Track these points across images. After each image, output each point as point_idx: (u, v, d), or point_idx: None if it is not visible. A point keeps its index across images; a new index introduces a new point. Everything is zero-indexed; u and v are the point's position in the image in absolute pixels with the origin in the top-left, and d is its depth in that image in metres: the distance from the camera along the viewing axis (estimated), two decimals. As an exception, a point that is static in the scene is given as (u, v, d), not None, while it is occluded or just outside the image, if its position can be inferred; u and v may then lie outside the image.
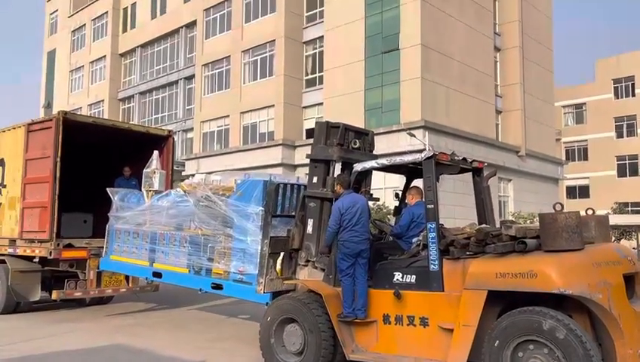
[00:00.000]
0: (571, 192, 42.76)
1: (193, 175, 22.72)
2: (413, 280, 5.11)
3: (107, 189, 8.71)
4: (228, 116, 28.72)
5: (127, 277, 9.95)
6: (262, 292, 6.05)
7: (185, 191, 7.42)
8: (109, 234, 8.69)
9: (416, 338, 5.01)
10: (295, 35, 26.54)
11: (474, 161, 5.92)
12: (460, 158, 5.70)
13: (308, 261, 5.97)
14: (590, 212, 4.99)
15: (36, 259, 9.63)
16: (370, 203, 6.33)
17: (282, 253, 6.17)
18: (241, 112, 28.11)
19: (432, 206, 5.01)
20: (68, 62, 40.65)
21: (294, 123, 26.10)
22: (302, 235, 6.01)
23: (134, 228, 8.21)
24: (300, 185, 6.69)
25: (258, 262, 6.12)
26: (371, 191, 6.54)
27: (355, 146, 6.20)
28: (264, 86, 27.03)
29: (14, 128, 10.14)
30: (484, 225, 5.34)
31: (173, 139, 10.69)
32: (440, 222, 5.04)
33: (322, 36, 25.50)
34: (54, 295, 9.12)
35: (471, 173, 6.03)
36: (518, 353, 4.28)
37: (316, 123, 6.36)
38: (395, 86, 22.61)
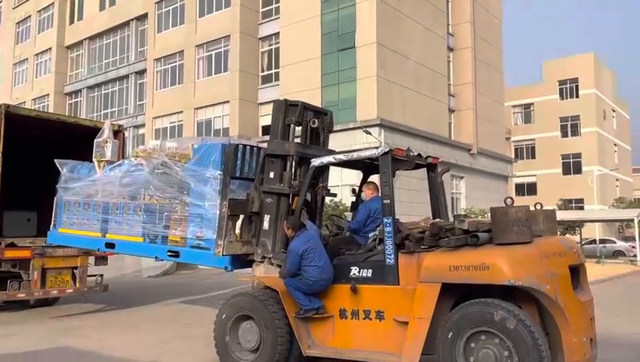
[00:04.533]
0: (520, 189, 44.32)
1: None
2: (369, 275, 5.12)
3: (55, 160, 8.30)
4: (181, 112, 28.17)
5: (73, 278, 9.62)
6: (220, 254, 5.91)
7: (139, 157, 7.21)
8: (57, 206, 8.35)
9: (372, 332, 5.03)
10: (250, 31, 26.29)
11: (428, 156, 6.01)
12: (415, 154, 5.77)
13: (264, 257, 5.89)
14: (539, 206, 5.15)
15: (-24, 260, 9.17)
16: (328, 199, 6.33)
17: (242, 216, 6.06)
18: (195, 108, 27.63)
19: (389, 201, 5.04)
20: (12, 55, 38.83)
21: (250, 119, 25.87)
22: (258, 229, 5.94)
23: (85, 199, 7.94)
24: (259, 147, 6.59)
25: (216, 226, 5.99)
26: (328, 187, 6.53)
27: (314, 126, 6.14)
28: (219, 82, 26.66)
29: (-49, 121, 9.55)
30: (438, 220, 5.42)
31: (124, 134, 10.35)
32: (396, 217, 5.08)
33: (278, 32, 25.37)
34: (-4, 296, 8.69)
35: (425, 168, 6.11)
36: (470, 344, 4.36)
37: (274, 102, 6.24)
38: (352, 84, 22.76)
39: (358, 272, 5.20)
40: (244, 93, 25.81)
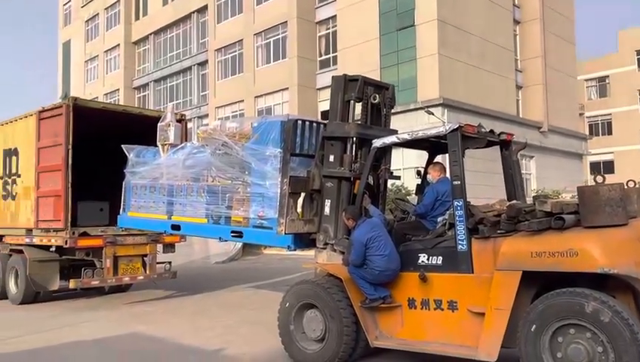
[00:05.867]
0: (595, 168, 41.64)
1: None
2: (439, 262, 4.79)
3: (122, 146, 8.46)
4: (242, 101, 28.45)
5: (144, 265, 9.84)
6: (283, 233, 5.77)
7: (200, 138, 7.25)
8: (125, 191, 8.51)
9: (445, 323, 4.70)
10: (308, 16, 26.03)
11: (502, 133, 5.55)
12: (487, 130, 5.33)
13: (326, 243, 5.68)
14: (632, 184, 4.60)
15: (53, 249, 9.59)
16: (391, 182, 6.01)
17: (303, 194, 5.92)
18: (256, 96, 27.80)
19: (459, 182, 4.66)
20: (83, 53, 40.65)
21: (309, 105, 25.71)
22: (320, 214, 5.73)
23: (151, 182, 8.07)
24: (319, 122, 6.39)
25: (278, 205, 5.88)
26: (391, 170, 6.21)
27: (375, 101, 5.82)
28: (277, 69, 26.66)
29: (26, 117, 10.00)
30: (515, 201, 4.99)
31: (187, 123, 10.45)
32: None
33: (335, 15, 24.95)
34: (72, 284, 9.03)
35: (498, 146, 5.66)
36: (557, 338, 3.95)
37: (333, 77, 5.96)
38: (412, 63, 22.06)
39: (427, 259, 4.88)
40: (303, 78, 25.66)
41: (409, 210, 5.91)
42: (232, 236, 6.71)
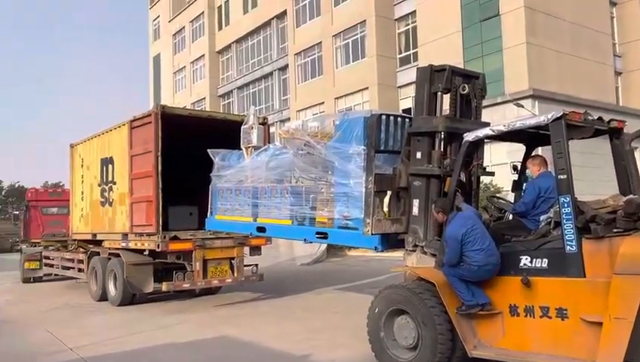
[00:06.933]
0: None
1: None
2: (544, 265, 4.33)
3: (208, 151, 8.60)
4: (323, 103, 28.53)
5: (231, 268, 9.99)
6: (369, 233, 5.55)
7: (282, 138, 7.23)
8: (212, 194, 8.64)
9: (553, 333, 4.24)
10: (386, 13, 25.63)
11: (612, 120, 4.96)
12: (595, 118, 4.78)
13: (416, 245, 5.37)
14: None
15: (146, 252, 9.96)
16: (485, 178, 5.58)
17: (389, 193, 5.66)
18: (336, 98, 27.77)
19: (565, 176, 4.19)
20: (171, 65, 42.80)
21: (390, 103, 25.24)
22: (408, 214, 5.43)
23: (236, 185, 8.15)
24: (404, 117, 6.10)
25: (363, 205, 5.66)
26: (484, 165, 5.78)
27: (464, 92, 5.44)
28: (357, 69, 26.46)
29: (119, 126, 10.51)
30: (633, 196, 4.41)
31: (269, 125, 10.51)
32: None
33: (415, 11, 24.37)
34: (164, 286, 9.35)
35: (607, 135, 5.07)
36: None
37: (418, 69, 5.64)
38: (498, 55, 21.00)
39: (530, 262, 4.43)
40: (383, 77, 25.28)
41: (506, 209, 5.46)
42: (317, 237, 6.59)
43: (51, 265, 14.06)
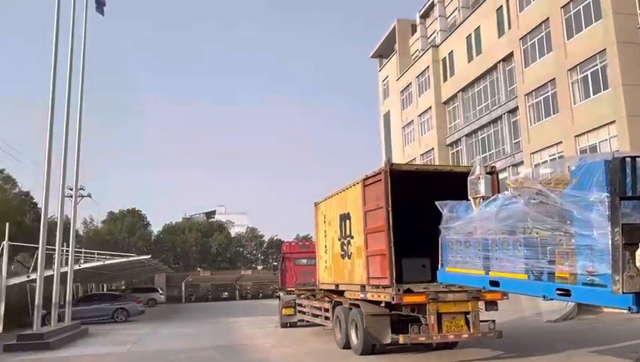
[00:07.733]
0: None
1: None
2: None
3: (436, 202, 8.71)
4: (560, 142, 26.28)
5: (467, 323, 9.72)
6: (619, 291, 4.91)
7: (512, 188, 6.93)
8: (442, 246, 8.66)
9: None
10: (629, 38, 22.73)
11: None
12: None
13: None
14: None
15: (383, 304, 10.39)
16: None
17: None
18: (576, 135, 25.30)
19: None
20: (400, 120, 44.83)
21: (644, 136, 21.96)
22: None
23: (465, 237, 8.03)
24: None
25: (610, 259, 5.06)
26: None
27: None
28: (599, 102, 23.82)
29: (354, 185, 11.45)
30: None
31: (497, 174, 10.22)
32: None
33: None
34: (401, 339, 9.60)
35: None
36: None
37: None
38: None
39: None
40: (632, 108, 22.17)
41: None
42: (558, 294, 6.04)
43: (303, 312, 15.76)
